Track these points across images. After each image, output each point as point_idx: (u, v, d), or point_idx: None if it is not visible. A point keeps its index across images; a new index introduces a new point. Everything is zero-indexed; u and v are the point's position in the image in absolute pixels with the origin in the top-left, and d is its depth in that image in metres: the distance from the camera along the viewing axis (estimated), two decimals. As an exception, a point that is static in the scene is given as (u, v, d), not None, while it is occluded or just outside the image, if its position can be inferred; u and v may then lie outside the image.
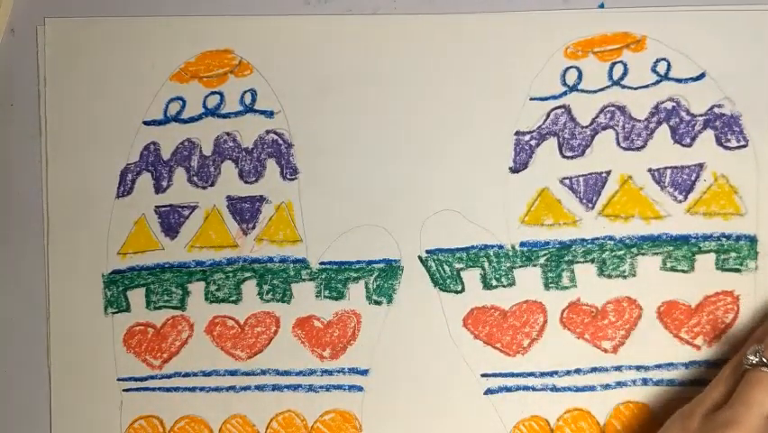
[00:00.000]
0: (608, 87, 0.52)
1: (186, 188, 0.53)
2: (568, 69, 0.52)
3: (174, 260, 0.53)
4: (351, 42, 0.53)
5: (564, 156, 0.51)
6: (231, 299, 0.52)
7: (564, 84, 0.52)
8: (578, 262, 0.51)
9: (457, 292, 0.51)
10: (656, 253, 0.50)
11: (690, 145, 0.51)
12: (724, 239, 0.50)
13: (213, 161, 0.53)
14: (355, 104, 0.53)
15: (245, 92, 0.53)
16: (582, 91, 0.52)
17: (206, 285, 0.52)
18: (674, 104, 0.51)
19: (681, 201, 0.50)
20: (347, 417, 0.51)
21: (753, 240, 0.50)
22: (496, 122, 0.52)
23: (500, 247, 0.51)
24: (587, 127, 0.51)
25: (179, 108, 0.53)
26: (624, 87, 0.51)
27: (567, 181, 0.51)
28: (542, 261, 0.51)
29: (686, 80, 0.51)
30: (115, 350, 0.52)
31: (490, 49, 0.52)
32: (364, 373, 0.51)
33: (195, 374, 0.52)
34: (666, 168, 0.51)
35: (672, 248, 0.50)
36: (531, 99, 0.52)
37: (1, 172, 0.54)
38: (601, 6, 0.52)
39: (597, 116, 0.51)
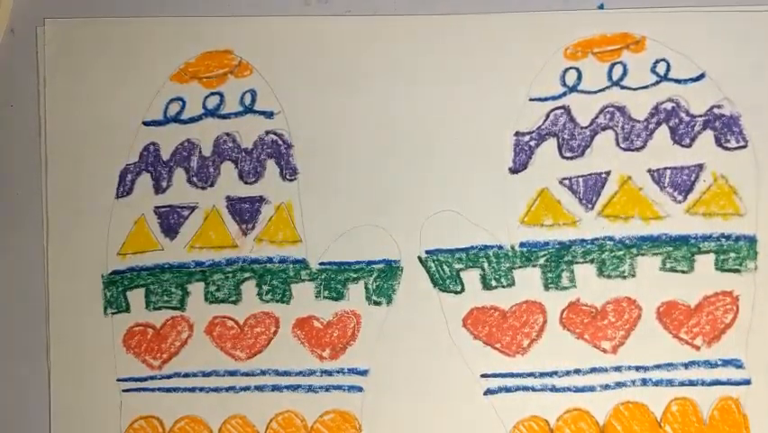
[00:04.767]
0: (607, 87, 0.52)
1: (185, 189, 0.53)
2: (567, 69, 0.52)
3: (174, 260, 0.53)
4: (351, 42, 0.53)
5: (564, 157, 0.51)
6: (230, 299, 0.52)
7: (564, 84, 0.52)
8: (577, 263, 0.51)
9: (457, 293, 0.51)
10: (656, 254, 0.50)
11: (689, 146, 0.51)
12: (723, 239, 0.50)
13: (212, 162, 0.53)
14: (355, 104, 0.53)
15: (245, 92, 0.53)
16: (582, 92, 0.52)
17: (206, 285, 0.52)
18: (674, 104, 0.51)
19: (680, 202, 0.51)
20: (347, 417, 0.51)
21: (752, 240, 0.50)
22: (496, 122, 0.52)
23: (500, 248, 0.51)
24: (586, 128, 0.52)
25: (179, 109, 0.53)
26: (623, 87, 0.51)
27: (567, 182, 0.51)
28: (541, 261, 0.51)
29: (686, 81, 0.51)
30: (115, 350, 0.52)
31: (490, 49, 0.52)
32: (364, 373, 0.51)
33: (194, 375, 0.52)
34: (666, 168, 0.51)
35: (671, 248, 0.50)
36: (531, 100, 0.52)
37: (1, 172, 0.54)
38: (601, 7, 0.52)
39: (596, 117, 0.52)
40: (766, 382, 0.49)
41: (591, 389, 0.50)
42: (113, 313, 0.53)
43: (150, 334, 0.52)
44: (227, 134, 0.53)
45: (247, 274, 0.52)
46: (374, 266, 0.51)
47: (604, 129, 0.51)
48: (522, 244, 0.51)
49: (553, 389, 0.50)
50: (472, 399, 0.50)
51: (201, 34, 0.54)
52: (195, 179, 0.53)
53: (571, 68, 0.52)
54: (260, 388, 0.51)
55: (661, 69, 0.51)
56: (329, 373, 0.51)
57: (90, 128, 0.53)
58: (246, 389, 0.52)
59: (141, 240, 0.53)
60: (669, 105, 0.51)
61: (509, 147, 0.52)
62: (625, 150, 0.51)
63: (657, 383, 0.50)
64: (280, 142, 0.53)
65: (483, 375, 0.51)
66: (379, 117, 0.52)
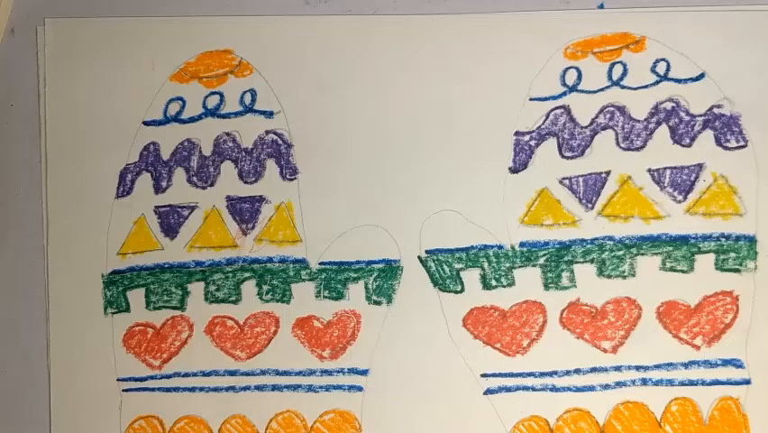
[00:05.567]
0: (607, 87, 0.52)
1: (185, 189, 0.53)
2: (567, 69, 0.52)
3: (173, 260, 0.53)
4: (351, 42, 0.53)
5: (564, 156, 0.51)
6: (230, 299, 0.52)
7: (564, 84, 0.52)
8: (577, 263, 0.51)
9: (457, 292, 0.51)
10: (656, 254, 0.50)
11: (689, 145, 0.51)
12: (723, 239, 0.50)
13: (212, 162, 0.53)
14: (355, 104, 0.53)
15: (245, 92, 0.53)
16: (582, 91, 0.52)
17: (206, 285, 0.52)
18: (674, 104, 0.51)
19: (680, 201, 0.51)
20: (347, 417, 0.51)
21: (752, 240, 0.50)
22: (495, 122, 0.52)
23: (500, 247, 0.51)
24: (586, 127, 0.52)
25: (179, 108, 0.53)
26: (623, 87, 0.51)
27: (567, 182, 0.51)
28: (541, 261, 0.51)
29: (685, 80, 0.51)
30: (115, 350, 0.52)
31: (490, 49, 0.52)
32: (364, 373, 0.51)
33: (194, 374, 0.52)
34: (666, 168, 0.51)
35: (671, 248, 0.50)
36: (531, 99, 0.52)
37: (1, 172, 0.54)
38: (601, 7, 0.52)
39: (596, 117, 0.52)
40: (766, 382, 0.49)
41: (591, 389, 0.50)
42: (113, 313, 0.53)
43: (150, 334, 0.52)
44: (227, 134, 0.53)
45: (247, 274, 0.52)
46: (374, 266, 0.51)
47: (604, 129, 0.51)
48: (522, 244, 0.51)
49: (553, 388, 0.50)
50: (472, 398, 0.50)
51: (201, 34, 0.54)
52: (195, 178, 0.53)
53: (571, 67, 0.52)
54: (260, 388, 0.51)
55: (661, 68, 0.51)
56: (329, 372, 0.51)
57: (90, 128, 0.54)
58: (246, 389, 0.52)
59: (141, 240, 0.53)
60: (669, 105, 0.51)
61: (509, 147, 0.52)
62: (625, 149, 0.51)
63: (657, 383, 0.50)
64: (280, 141, 0.53)
65: (483, 375, 0.51)
66: (379, 117, 0.53)
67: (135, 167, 0.53)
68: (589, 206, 0.51)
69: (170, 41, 0.54)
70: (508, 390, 0.50)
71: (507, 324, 0.51)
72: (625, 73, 0.51)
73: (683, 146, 0.51)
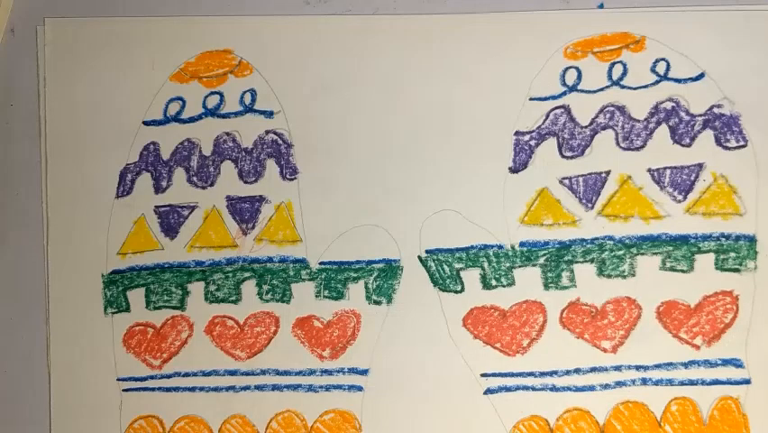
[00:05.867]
0: (607, 87, 0.52)
1: (185, 189, 0.53)
2: (567, 69, 0.52)
3: (174, 260, 0.53)
4: (351, 42, 0.53)
5: (564, 156, 0.51)
6: (230, 298, 0.52)
7: (564, 84, 0.52)
8: (577, 262, 0.51)
9: (457, 292, 0.51)
10: (656, 253, 0.50)
11: (689, 145, 0.51)
12: (723, 239, 0.50)
13: (212, 162, 0.53)
14: (355, 104, 0.53)
15: (245, 92, 0.53)
16: (582, 91, 0.52)
17: (206, 285, 0.52)
18: (674, 104, 0.51)
19: (680, 201, 0.51)
20: (347, 417, 0.51)
21: (752, 240, 0.50)
22: (495, 122, 0.52)
23: (500, 247, 0.51)
24: (586, 127, 0.52)
25: (179, 108, 0.53)
26: (623, 87, 0.51)
27: (566, 181, 0.51)
28: (541, 261, 0.51)
29: (685, 80, 0.51)
30: (115, 350, 0.52)
31: (490, 49, 0.52)
32: (364, 372, 0.51)
33: (194, 374, 0.52)
34: (665, 168, 0.51)
35: (671, 248, 0.50)
36: (530, 99, 0.52)
37: (1, 172, 0.54)
38: (601, 6, 0.52)
39: (596, 116, 0.52)
40: (766, 382, 0.49)
41: (591, 388, 0.50)
42: (113, 313, 0.52)
43: (150, 333, 0.52)
44: (227, 134, 0.53)
45: (247, 274, 0.52)
46: (374, 266, 0.51)
47: (604, 128, 0.51)
48: (522, 244, 0.51)
49: (553, 388, 0.50)
50: (472, 398, 0.50)
51: (201, 34, 0.54)
52: (195, 178, 0.53)
53: (570, 67, 0.52)
54: (260, 387, 0.51)
55: (661, 68, 0.51)
56: (329, 372, 0.51)
57: (90, 128, 0.54)
58: (246, 388, 0.51)
59: (141, 240, 0.53)
60: (669, 105, 0.51)
61: (509, 146, 0.52)
62: (625, 149, 0.51)
63: (657, 383, 0.50)
64: (280, 141, 0.53)
65: (483, 375, 0.51)
66: (379, 117, 0.53)
67: (135, 167, 0.53)
68: (589, 205, 0.51)
69: (170, 41, 0.54)
70: (508, 389, 0.50)
71: (507, 324, 0.51)
72: (625, 73, 0.52)
73: (683, 146, 0.51)
